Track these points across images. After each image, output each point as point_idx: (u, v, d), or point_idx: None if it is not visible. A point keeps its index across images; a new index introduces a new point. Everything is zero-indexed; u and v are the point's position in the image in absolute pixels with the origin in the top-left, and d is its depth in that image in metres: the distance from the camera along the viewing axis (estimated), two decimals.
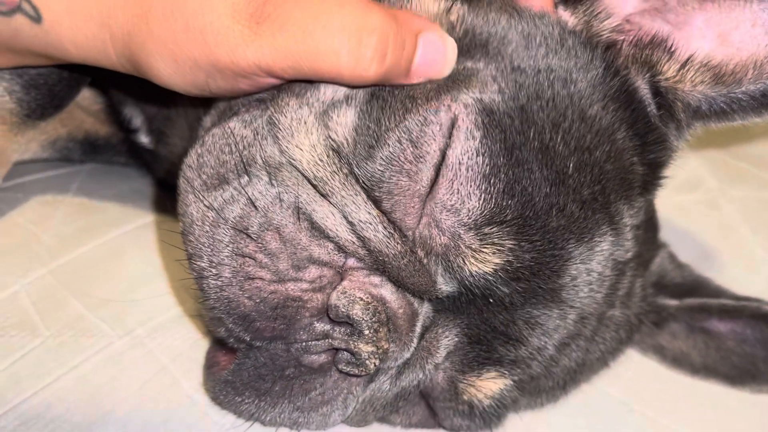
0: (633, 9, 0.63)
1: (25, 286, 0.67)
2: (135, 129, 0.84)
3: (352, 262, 0.55)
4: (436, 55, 0.54)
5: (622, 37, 0.62)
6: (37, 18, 0.57)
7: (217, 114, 0.66)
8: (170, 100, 0.77)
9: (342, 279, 0.54)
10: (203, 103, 0.70)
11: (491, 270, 0.53)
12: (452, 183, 0.52)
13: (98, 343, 0.63)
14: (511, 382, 0.59)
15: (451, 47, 0.55)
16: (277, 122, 0.57)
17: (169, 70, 0.54)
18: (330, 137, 0.55)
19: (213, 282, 0.53)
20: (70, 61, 0.61)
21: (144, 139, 0.83)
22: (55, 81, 0.74)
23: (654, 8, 0.62)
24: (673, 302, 0.75)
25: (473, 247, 0.53)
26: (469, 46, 0.57)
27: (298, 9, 0.50)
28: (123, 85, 0.82)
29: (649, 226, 0.69)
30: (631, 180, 0.59)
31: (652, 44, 0.62)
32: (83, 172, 0.87)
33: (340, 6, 0.51)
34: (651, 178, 0.63)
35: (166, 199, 0.80)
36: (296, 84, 0.58)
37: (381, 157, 0.53)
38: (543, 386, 0.63)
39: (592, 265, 0.57)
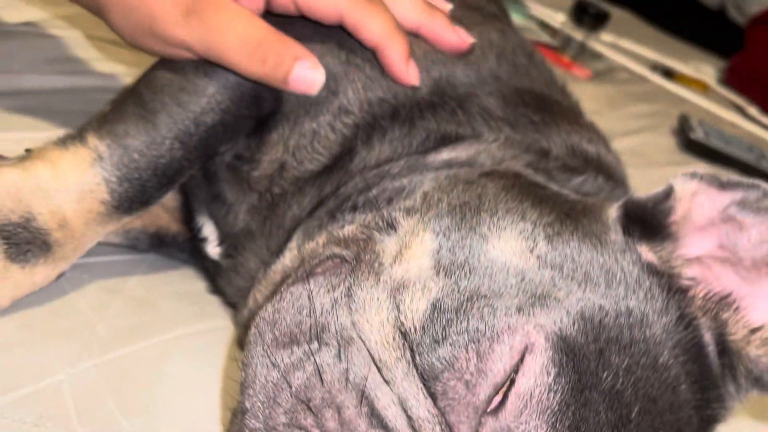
0: (707, 252, 0.65)
1: (71, 376, 0.68)
2: (203, 238, 0.87)
3: None
4: (306, 78, 0.73)
5: (696, 285, 0.64)
6: None
7: (302, 256, 0.69)
8: (254, 219, 0.80)
9: None
10: (290, 228, 0.74)
11: None
12: (521, 412, 0.53)
13: None
14: None
15: (319, 76, 0.73)
16: (353, 294, 0.59)
17: (119, 22, 0.75)
18: (399, 319, 0.57)
19: None
20: None
21: (212, 250, 0.86)
22: (148, 176, 0.77)
23: (727, 259, 0.64)
24: None
25: None
26: (554, 275, 0.59)
27: (214, 11, 0.71)
28: (203, 198, 0.85)
29: None
30: None
31: (724, 301, 0.63)
32: (146, 263, 0.90)
33: (239, 16, 0.71)
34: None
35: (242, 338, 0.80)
36: (374, 256, 0.62)
37: (444, 357, 0.55)
38: None
39: None
